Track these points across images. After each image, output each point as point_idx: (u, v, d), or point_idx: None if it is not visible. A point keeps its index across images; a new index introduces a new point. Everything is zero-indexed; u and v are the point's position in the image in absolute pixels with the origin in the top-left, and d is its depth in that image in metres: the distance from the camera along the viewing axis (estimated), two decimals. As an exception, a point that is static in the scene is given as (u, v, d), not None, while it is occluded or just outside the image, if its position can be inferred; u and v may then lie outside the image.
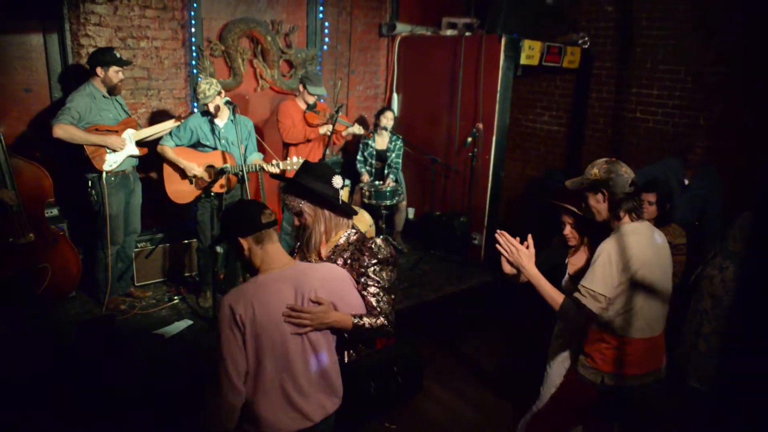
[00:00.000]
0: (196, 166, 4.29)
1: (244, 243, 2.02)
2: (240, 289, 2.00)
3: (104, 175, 4.08)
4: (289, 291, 2.00)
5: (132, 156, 4.23)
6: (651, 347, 2.54)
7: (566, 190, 2.72)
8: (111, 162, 4.10)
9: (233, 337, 1.90)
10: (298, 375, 2.01)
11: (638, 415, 2.89)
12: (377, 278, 2.22)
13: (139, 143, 4.26)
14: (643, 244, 2.43)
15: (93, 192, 4.13)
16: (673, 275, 3.74)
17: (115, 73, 4.07)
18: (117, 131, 4.12)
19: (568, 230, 2.74)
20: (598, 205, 2.49)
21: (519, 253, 2.39)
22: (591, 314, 2.37)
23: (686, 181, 4.55)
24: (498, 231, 2.47)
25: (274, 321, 1.95)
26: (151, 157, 4.38)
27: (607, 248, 2.39)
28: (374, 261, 2.23)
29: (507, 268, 2.50)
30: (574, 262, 2.77)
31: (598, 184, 2.45)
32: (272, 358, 1.95)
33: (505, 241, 2.42)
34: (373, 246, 2.25)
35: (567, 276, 2.77)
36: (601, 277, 2.35)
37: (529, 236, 2.44)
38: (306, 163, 2.39)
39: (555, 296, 2.40)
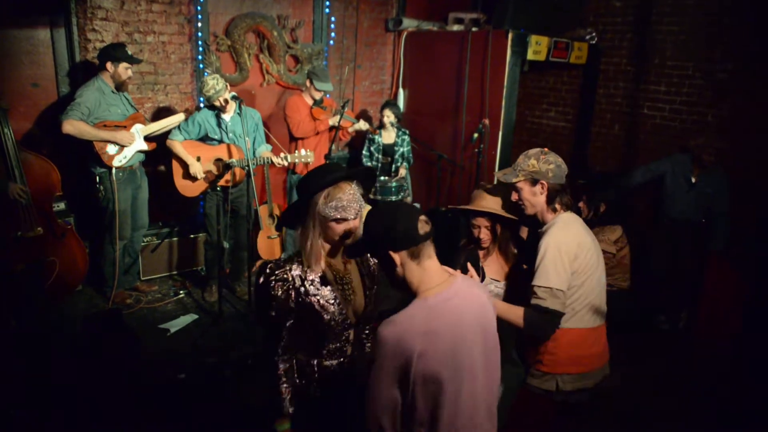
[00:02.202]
0: (200, 170, 4.31)
1: (397, 258, 1.67)
2: (409, 321, 1.62)
3: (113, 170, 4.10)
4: (469, 311, 1.70)
5: (140, 151, 4.24)
6: (598, 338, 2.46)
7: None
8: (120, 157, 4.11)
9: (392, 379, 1.60)
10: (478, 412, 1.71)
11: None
12: None
13: (148, 138, 4.27)
14: (581, 231, 2.39)
15: (101, 187, 4.15)
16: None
17: (124, 70, 4.08)
18: (126, 126, 4.14)
19: (484, 233, 2.63)
20: (534, 198, 2.39)
21: None
22: (557, 314, 2.28)
23: (693, 179, 4.53)
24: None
25: (470, 344, 1.65)
26: (157, 152, 4.39)
27: (551, 241, 2.30)
28: None
29: None
30: (490, 263, 2.69)
31: (537, 175, 2.35)
32: (452, 400, 1.62)
33: None
34: None
35: (487, 278, 2.66)
36: (554, 272, 2.26)
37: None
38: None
39: (515, 311, 2.28)
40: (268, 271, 1.93)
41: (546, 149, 2.43)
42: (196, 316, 4.36)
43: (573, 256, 2.30)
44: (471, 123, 5.79)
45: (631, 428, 3.49)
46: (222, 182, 4.31)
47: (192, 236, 5.00)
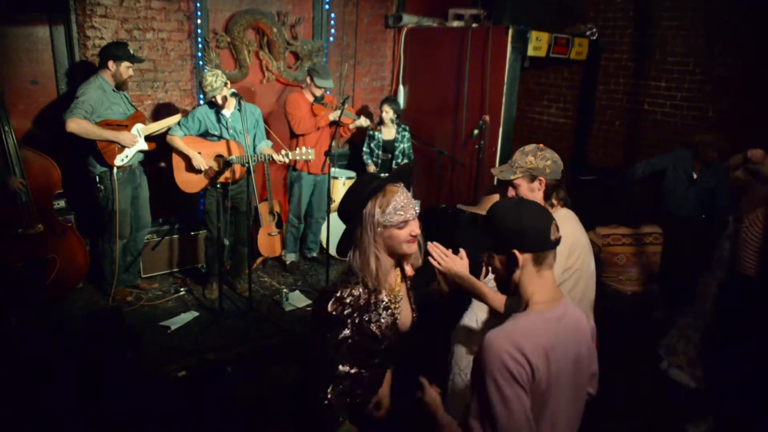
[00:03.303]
0: (203, 162, 4.30)
1: (521, 259, 1.57)
2: (530, 333, 1.50)
3: (114, 170, 4.09)
4: (575, 333, 1.59)
5: (141, 151, 4.24)
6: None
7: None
8: (122, 157, 4.11)
9: (516, 398, 1.43)
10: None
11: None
12: None
13: (147, 138, 4.27)
14: (578, 229, 2.42)
15: (101, 187, 4.15)
16: None
17: (126, 69, 4.07)
18: (127, 126, 4.13)
19: None
20: (533, 194, 2.39)
21: (454, 261, 2.12)
22: None
23: (694, 175, 4.52)
24: (430, 243, 2.08)
25: (569, 373, 1.55)
26: (157, 150, 4.39)
27: None
28: None
29: (445, 285, 2.17)
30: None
31: (535, 172, 2.36)
32: (551, 421, 1.54)
33: (439, 253, 2.08)
34: None
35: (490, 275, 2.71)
36: None
37: (461, 250, 2.23)
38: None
39: (499, 299, 2.23)
40: (334, 293, 1.82)
41: (542, 145, 2.44)
42: (196, 314, 4.36)
43: (567, 254, 2.32)
44: (471, 119, 5.79)
45: (630, 425, 3.49)
46: (222, 179, 4.31)
47: (192, 233, 5.00)
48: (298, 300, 4.65)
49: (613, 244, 3.79)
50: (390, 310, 1.89)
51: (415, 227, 1.80)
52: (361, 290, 1.82)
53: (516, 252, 1.56)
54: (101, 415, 3.15)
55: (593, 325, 1.74)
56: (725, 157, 4.58)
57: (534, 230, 1.55)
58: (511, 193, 2.44)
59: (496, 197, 2.74)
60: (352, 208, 1.79)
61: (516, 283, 1.60)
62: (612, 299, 4.61)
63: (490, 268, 1.71)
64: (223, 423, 3.27)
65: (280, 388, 3.61)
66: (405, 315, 1.97)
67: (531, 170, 2.37)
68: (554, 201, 2.41)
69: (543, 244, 1.56)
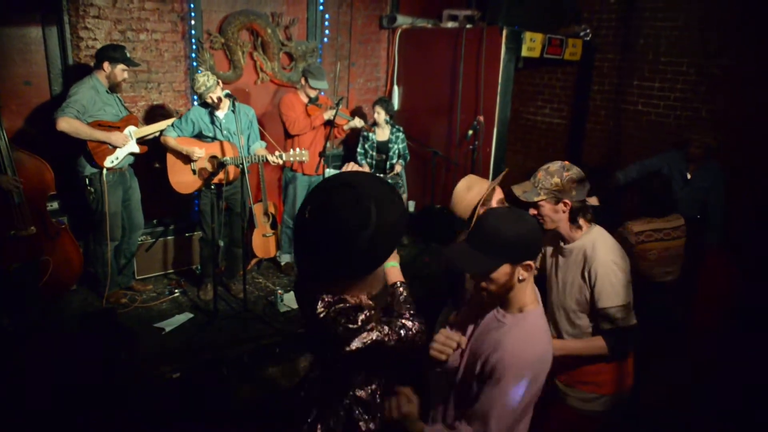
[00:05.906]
0: (198, 149, 4.27)
1: (534, 266, 1.69)
2: (540, 338, 1.65)
3: (104, 172, 4.08)
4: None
5: (132, 153, 4.22)
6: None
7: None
8: (112, 158, 4.09)
9: (527, 406, 1.59)
10: None
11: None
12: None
13: (140, 141, 4.25)
14: (618, 245, 2.36)
15: (92, 189, 4.13)
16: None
17: (121, 72, 4.06)
18: (119, 127, 4.12)
19: None
20: (556, 214, 2.28)
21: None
22: (636, 328, 2.22)
23: (688, 175, 4.54)
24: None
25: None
26: (150, 152, 4.38)
27: (606, 260, 2.22)
28: None
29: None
30: None
31: (561, 194, 2.24)
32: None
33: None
34: None
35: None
36: (620, 288, 2.20)
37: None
38: None
39: (594, 344, 2.21)
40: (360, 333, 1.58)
41: (566, 162, 2.32)
42: (191, 315, 4.34)
43: (626, 268, 2.27)
44: (466, 120, 5.79)
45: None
46: (216, 180, 4.30)
47: (187, 235, 4.98)
48: (292, 301, 4.64)
49: (646, 241, 3.73)
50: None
51: None
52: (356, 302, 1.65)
53: (531, 262, 1.64)
54: (96, 417, 3.14)
55: None
56: (718, 156, 4.60)
57: (537, 239, 1.66)
58: (532, 212, 2.29)
59: (474, 183, 2.51)
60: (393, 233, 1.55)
61: (508, 289, 1.67)
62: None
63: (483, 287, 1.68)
64: (218, 424, 3.27)
65: (276, 389, 3.61)
66: None
67: (556, 192, 2.24)
68: (581, 222, 2.30)
69: (538, 252, 1.69)
